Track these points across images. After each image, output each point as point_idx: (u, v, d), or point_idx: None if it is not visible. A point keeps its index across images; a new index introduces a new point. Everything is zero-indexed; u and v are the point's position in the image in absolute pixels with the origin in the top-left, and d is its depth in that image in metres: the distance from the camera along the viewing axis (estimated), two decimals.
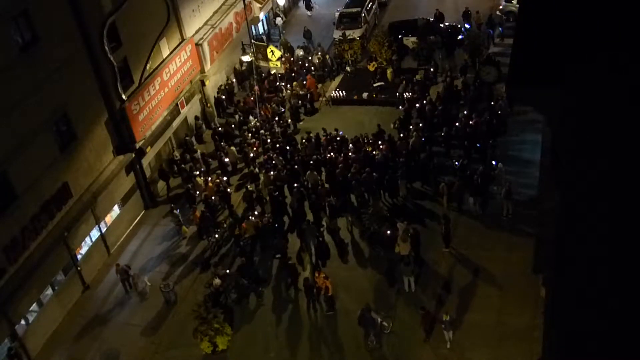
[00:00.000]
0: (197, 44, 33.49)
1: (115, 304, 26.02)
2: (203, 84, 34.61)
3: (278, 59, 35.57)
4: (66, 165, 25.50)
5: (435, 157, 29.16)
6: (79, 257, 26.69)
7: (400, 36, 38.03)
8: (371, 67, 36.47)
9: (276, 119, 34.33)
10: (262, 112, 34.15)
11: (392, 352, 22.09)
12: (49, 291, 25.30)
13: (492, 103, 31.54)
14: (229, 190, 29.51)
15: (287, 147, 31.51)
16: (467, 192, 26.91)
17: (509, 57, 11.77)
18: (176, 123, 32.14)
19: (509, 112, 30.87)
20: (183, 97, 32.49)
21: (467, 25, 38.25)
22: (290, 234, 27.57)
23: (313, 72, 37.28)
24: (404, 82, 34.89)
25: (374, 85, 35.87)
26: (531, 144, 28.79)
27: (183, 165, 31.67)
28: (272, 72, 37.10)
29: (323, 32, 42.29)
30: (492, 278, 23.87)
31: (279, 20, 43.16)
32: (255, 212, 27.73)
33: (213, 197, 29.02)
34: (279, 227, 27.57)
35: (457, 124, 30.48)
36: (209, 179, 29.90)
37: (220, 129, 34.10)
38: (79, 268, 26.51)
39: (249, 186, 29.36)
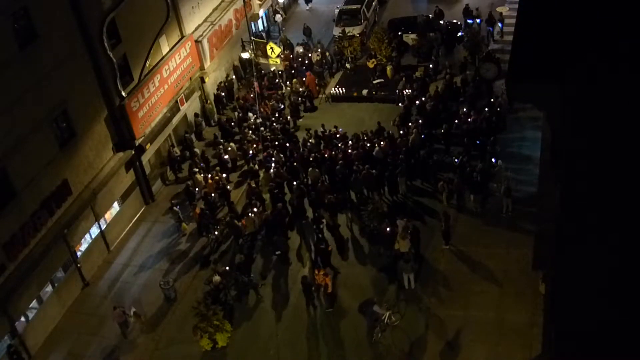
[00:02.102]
0: (196, 41, 33.46)
1: (114, 301, 26.00)
2: (203, 81, 34.58)
3: (277, 56, 35.55)
4: (66, 162, 25.48)
5: (434, 154, 29.16)
6: (79, 254, 26.68)
7: (400, 33, 38.00)
8: (370, 64, 36.46)
9: (276, 115, 34.33)
10: (261, 109, 34.14)
11: (392, 348, 22.10)
12: (49, 288, 25.30)
13: (492, 100, 31.53)
14: (228, 187, 29.52)
15: (287, 144, 31.49)
16: (466, 189, 26.92)
17: (508, 54, 11.77)
18: (176, 120, 32.13)
19: (509, 109, 30.86)
20: (183, 94, 32.46)
21: (469, 21, 38.20)
22: (290, 231, 27.55)
23: (318, 70, 37.18)
24: (403, 79, 34.88)
25: (374, 82, 35.86)
26: (531, 140, 28.77)
27: (196, 150, 32.01)
28: (272, 69, 37.08)
29: (323, 29, 42.26)
30: (492, 275, 23.89)
31: (278, 17, 43.12)
32: (254, 209, 27.72)
33: (213, 194, 29.02)
34: (279, 224, 27.54)
35: (456, 121, 30.49)
36: (209, 175, 29.90)
37: (225, 118, 34.22)
38: (78, 265, 26.51)
39: (251, 183, 29.35)
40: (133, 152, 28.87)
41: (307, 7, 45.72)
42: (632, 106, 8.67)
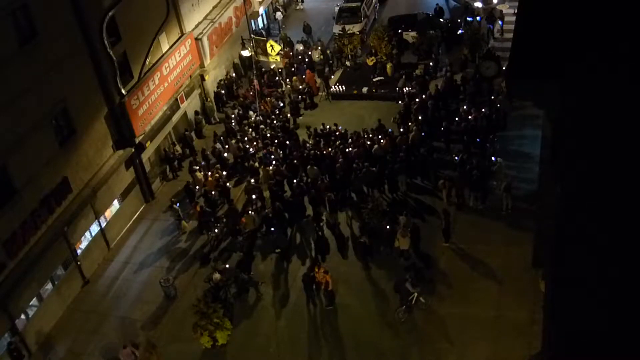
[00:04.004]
0: (196, 39, 33.44)
1: (114, 298, 26.05)
2: (202, 78, 34.58)
3: (277, 54, 35.53)
4: (66, 160, 25.48)
5: (435, 152, 29.14)
6: (79, 251, 26.69)
7: (400, 31, 38.00)
8: (370, 62, 36.46)
9: (276, 112, 34.31)
10: (261, 106, 34.13)
11: (391, 346, 22.12)
12: (49, 286, 25.31)
13: (492, 98, 31.51)
14: (228, 184, 29.51)
15: (287, 142, 31.47)
16: (466, 187, 26.92)
17: (508, 52, 11.76)
18: (176, 118, 32.12)
19: (509, 107, 30.83)
20: (182, 92, 32.46)
21: (469, 19, 38.20)
22: (290, 229, 27.57)
23: (319, 67, 37.14)
24: (403, 76, 34.86)
25: (374, 79, 35.86)
26: (531, 138, 28.79)
27: (217, 146, 31.98)
28: (272, 67, 37.06)
29: (323, 26, 42.26)
30: (492, 272, 23.90)
31: (278, 15, 43.14)
32: (254, 207, 27.72)
33: (213, 192, 28.99)
34: (279, 222, 27.55)
35: (457, 118, 30.47)
36: (209, 173, 29.90)
37: (235, 111, 34.45)
38: (78, 263, 26.52)
39: (252, 180, 29.34)
40: (133, 149, 28.87)
41: (298, 7, 45.69)
42: (633, 104, 8.65)
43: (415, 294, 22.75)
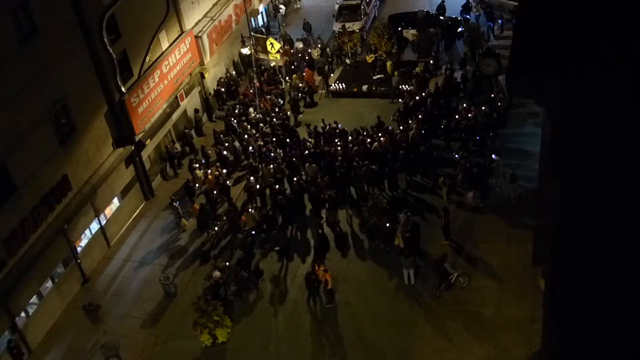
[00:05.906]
0: (196, 37, 33.42)
1: (114, 296, 26.06)
2: (202, 76, 34.55)
3: (277, 51, 35.51)
4: (66, 158, 25.48)
5: (434, 150, 29.14)
6: (79, 249, 26.71)
7: (400, 28, 37.97)
8: (370, 59, 36.42)
9: (276, 109, 34.30)
10: (261, 104, 34.12)
11: (390, 344, 22.15)
12: (49, 283, 25.32)
13: (492, 96, 31.49)
14: (228, 182, 29.51)
15: (287, 140, 31.46)
16: (466, 185, 26.92)
17: (509, 50, 11.76)
18: (175, 115, 32.12)
19: (509, 105, 30.82)
20: (182, 90, 32.45)
21: (467, 17, 38.20)
22: (290, 227, 27.58)
23: (320, 66, 37.11)
24: (395, 74, 34.76)
25: (374, 77, 35.83)
26: (531, 136, 28.77)
27: (243, 143, 31.79)
28: (272, 65, 37.06)
29: (323, 24, 42.24)
30: (492, 270, 23.91)
31: (282, 10, 43.11)
32: (254, 205, 27.74)
33: (215, 192, 28.95)
34: (278, 220, 27.54)
35: (456, 116, 30.46)
36: (209, 171, 29.88)
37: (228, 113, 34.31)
38: (78, 260, 26.53)
39: (251, 178, 29.35)
40: (133, 147, 28.87)
41: (296, 7, 45.67)
42: (633, 102, 8.66)
43: (456, 274, 23.26)
